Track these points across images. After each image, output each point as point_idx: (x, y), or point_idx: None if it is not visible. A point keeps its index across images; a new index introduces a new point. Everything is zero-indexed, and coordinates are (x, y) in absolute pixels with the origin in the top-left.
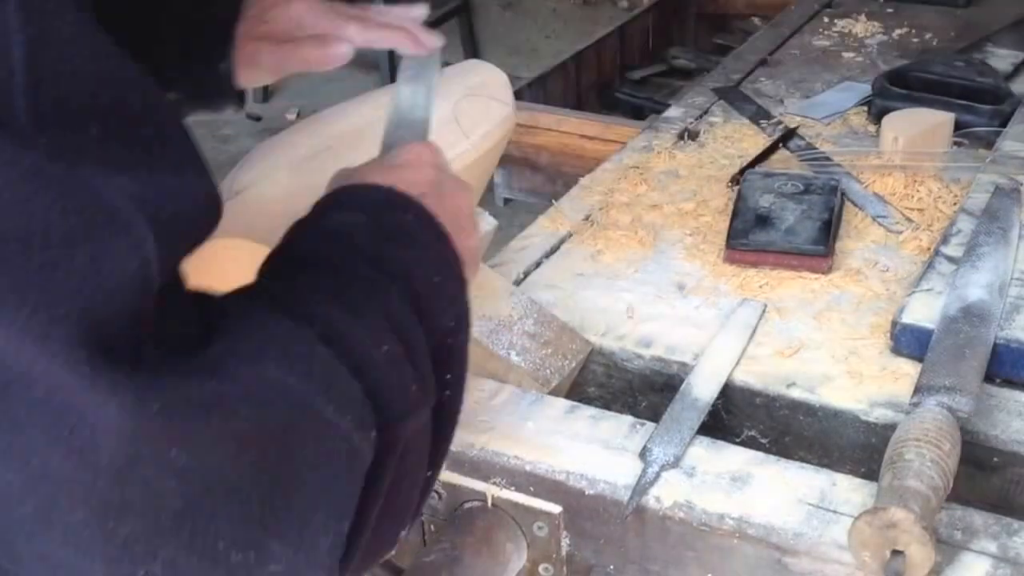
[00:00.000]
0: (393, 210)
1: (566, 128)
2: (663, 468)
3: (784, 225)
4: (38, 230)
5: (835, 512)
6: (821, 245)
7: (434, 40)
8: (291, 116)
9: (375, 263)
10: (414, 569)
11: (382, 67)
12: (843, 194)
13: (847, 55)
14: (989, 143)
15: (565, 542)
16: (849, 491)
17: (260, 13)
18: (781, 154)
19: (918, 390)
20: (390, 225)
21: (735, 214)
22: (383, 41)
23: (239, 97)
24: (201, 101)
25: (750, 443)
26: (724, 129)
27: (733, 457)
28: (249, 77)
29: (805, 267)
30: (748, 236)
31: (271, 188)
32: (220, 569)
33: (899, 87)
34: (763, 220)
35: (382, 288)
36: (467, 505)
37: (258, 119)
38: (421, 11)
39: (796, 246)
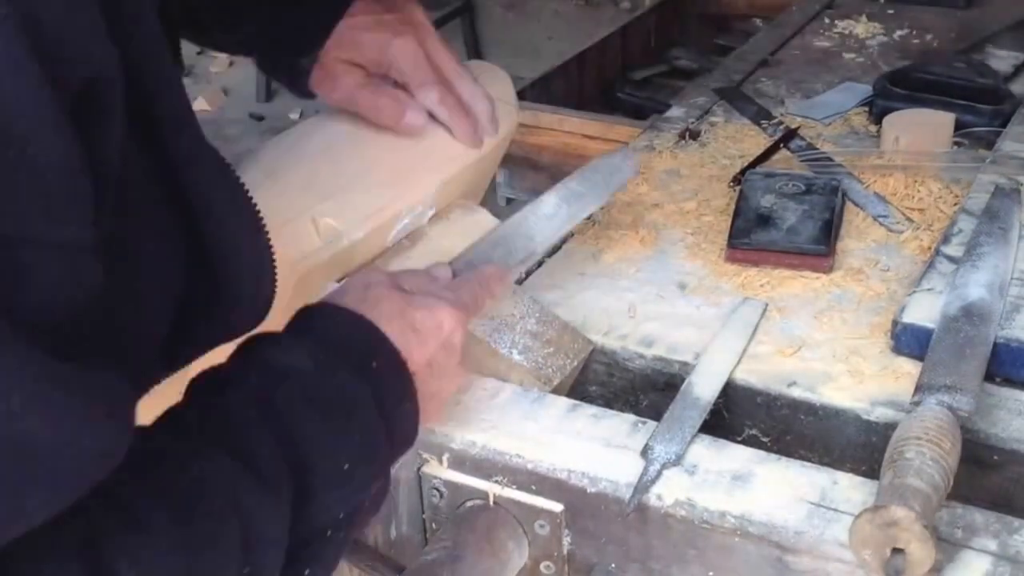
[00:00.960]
0: (369, 356)
1: (568, 128)
2: (665, 466)
3: (786, 225)
4: None
5: (836, 510)
6: (822, 245)
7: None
8: (295, 116)
9: (284, 439)
10: (416, 567)
11: None
12: (844, 194)
13: (848, 56)
14: (989, 143)
15: (567, 540)
16: (850, 489)
17: (353, 36)
18: (782, 154)
19: (919, 389)
20: (344, 378)
21: (736, 213)
22: (449, 121)
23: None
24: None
25: (751, 442)
26: (725, 129)
27: (734, 456)
28: (323, 88)
29: (807, 266)
30: (750, 235)
31: (274, 187)
32: None
33: (900, 88)
34: (764, 220)
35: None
36: (469, 504)
37: (261, 119)
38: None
39: (797, 245)
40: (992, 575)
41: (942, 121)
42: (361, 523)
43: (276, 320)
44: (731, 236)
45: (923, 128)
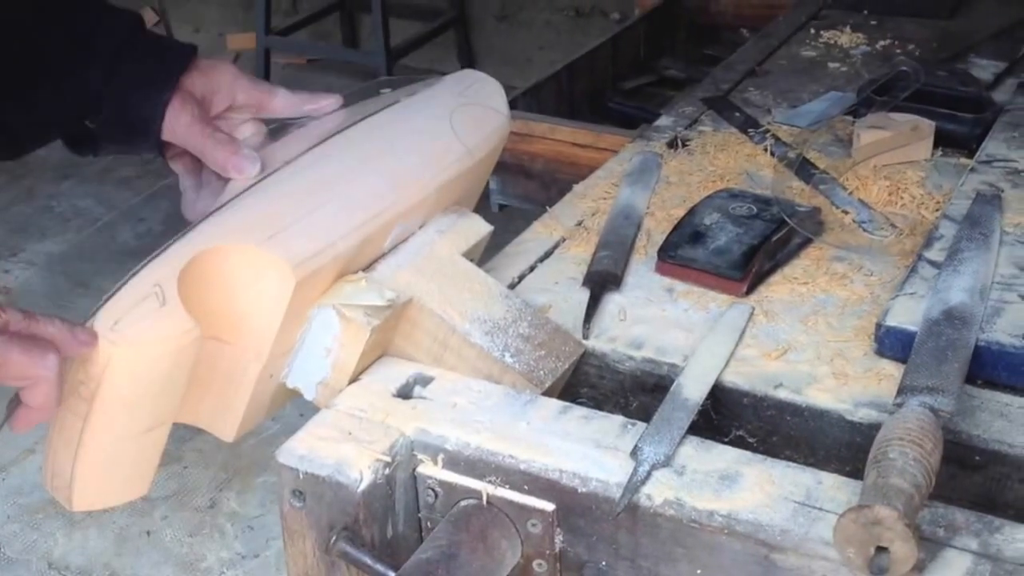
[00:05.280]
0: None
1: (559, 136)
2: (654, 467)
3: (713, 245)
4: None
5: (821, 509)
6: (738, 270)
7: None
8: None
9: None
10: (411, 566)
11: (379, 76)
12: (794, 227)
13: (832, 65)
14: (971, 151)
15: (558, 539)
16: (834, 489)
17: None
18: (767, 161)
19: (901, 391)
20: None
21: (676, 226)
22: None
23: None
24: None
25: (738, 443)
26: (713, 138)
27: (722, 456)
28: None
29: (721, 288)
30: (677, 250)
31: (267, 195)
32: None
33: (883, 96)
34: (698, 237)
35: None
36: (463, 503)
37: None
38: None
39: (715, 267)
40: (973, 573)
41: (924, 128)
42: None
43: (278, 326)
44: (661, 248)
45: (905, 135)
